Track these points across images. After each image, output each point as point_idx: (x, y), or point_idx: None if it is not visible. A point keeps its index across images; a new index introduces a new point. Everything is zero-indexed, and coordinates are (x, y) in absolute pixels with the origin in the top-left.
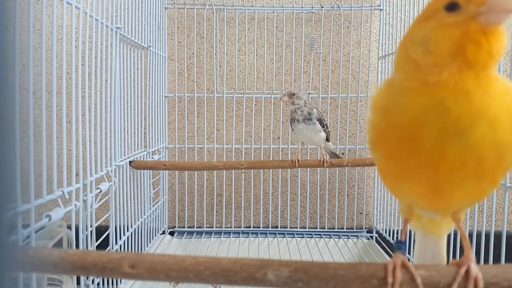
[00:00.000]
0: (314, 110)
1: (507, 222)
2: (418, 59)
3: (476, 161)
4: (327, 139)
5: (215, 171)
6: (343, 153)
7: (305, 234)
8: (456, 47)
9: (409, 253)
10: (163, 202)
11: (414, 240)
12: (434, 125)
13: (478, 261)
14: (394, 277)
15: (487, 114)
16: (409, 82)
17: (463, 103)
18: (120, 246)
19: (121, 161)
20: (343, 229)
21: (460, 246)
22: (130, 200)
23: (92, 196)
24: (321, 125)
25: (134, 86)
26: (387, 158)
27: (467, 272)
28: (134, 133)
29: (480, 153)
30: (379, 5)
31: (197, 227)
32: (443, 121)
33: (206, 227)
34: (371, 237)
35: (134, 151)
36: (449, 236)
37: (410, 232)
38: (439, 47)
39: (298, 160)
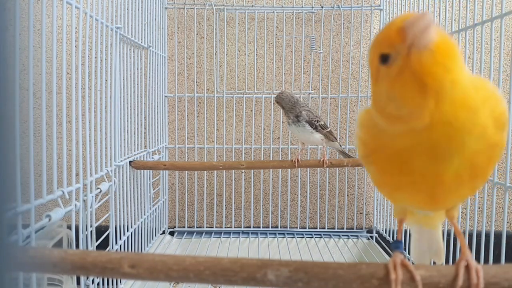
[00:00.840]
0: (303, 112)
1: (507, 222)
2: (397, 114)
3: (470, 171)
4: (330, 139)
5: (215, 171)
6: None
7: (305, 234)
8: (419, 88)
9: (408, 253)
10: (163, 202)
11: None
12: (423, 155)
13: (478, 261)
14: (396, 275)
15: (473, 130)
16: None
17: (448, 130)
18: (120, 246)
19: (121, 161)
20: (343, 229)
21: (460, 246)
22: (130, 200)
23: (92, 196)
24: (311, 127)
25: (134, 86)
26: (381, 173)
27: (467, 266)
28: (134, 133)
29: (474, 163)
30: (379, 5)
31: (197, 227)
32: (432, 152)
33: (206, 227)
34: (371, 237)
35: (134, 151)
36: (448, 236)
37: (406, 230)
38: (407, 99)
39: (298, 160)
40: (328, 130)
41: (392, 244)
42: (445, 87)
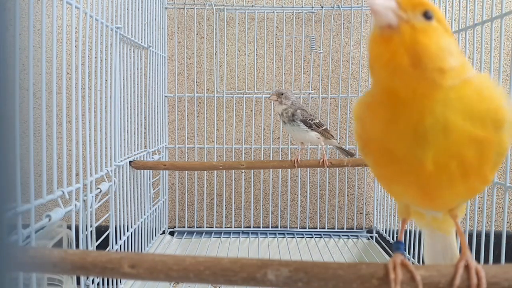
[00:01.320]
0: (298, 111)
1: (507, 222)
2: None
3: (455, 163)
4: (327, 137)
5: (215, 171)
6: None
7: (305, 234)
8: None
9: (409, 253)
10: (163, 202)
11: (412, 240)
12: (401, 137)
13: (478, 261)
14: (395, 275)
15: (450, 118)
16: (375, 97)
17: (424, 111)
18: (120, 246)
19: (121, 161)
20: (343, 229)
21: (460, 246)
22: (130, 200)
23: (92, 196)
24: (306, 126)
25: (134, 86)
26: (375, 164)
27: (467, 266)
28: (134, 133)
29: (456, 155)
30: None
31: (197, 227)
32: (409, 132)
33: (206, 227)
34: (371, 237)
35: (134, 151)
36: None
37: (409, 232)
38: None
39: (297, 160)
40: (324, 127)
41: (393, 245)
42: (401, 67)
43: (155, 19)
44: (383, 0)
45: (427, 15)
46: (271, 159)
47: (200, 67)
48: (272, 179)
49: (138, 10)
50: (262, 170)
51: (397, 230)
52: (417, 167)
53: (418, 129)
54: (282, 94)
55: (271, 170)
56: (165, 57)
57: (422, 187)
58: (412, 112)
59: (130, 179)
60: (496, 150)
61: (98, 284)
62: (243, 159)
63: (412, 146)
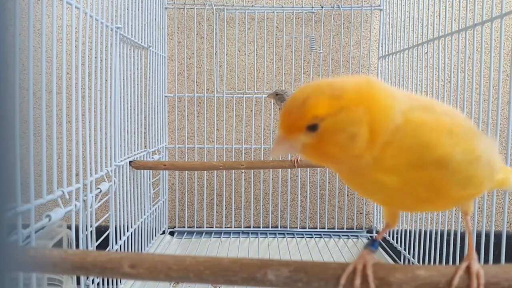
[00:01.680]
0: None
1: (507, 222)
2: None
3: (413, 198)
4: None
5: (215, 171)
6: None
7: (305, 234)
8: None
9: (409, 253)
10: (163, 202)
11: (412, 240)
12: (357, 185)
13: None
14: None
15: (384, 177)
16: None
17: (363, 175)
18: (120, 246)
19: (121, 161)
20: (343, 229)
21: (460, 246)
22: (130, 200)
23: (92, 196)
24: None
25: (134, 86)
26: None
27: (468, 268)
28: (134, 133)
29: (410, 194)
30: (379, 5)
31: (197, 227)
32: (361, 185)
33: (206, 227)
34: (371, 237)
35: (134, 151)
36: (448, 236)
37: (409, 232)
38: None
39: (297, 160)
40: None
41: (368, 241)
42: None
43: (155, 19)
44: (276, 145)
45: (312, 129)
46: (271, 159)
47: (200, 67)
48: (272, 179)
49: (138, 10)
50: (262, 170)
51: (397, 230)
52: (384, 197)
53: (366, 186)
54: (277, 94)
55: (271, 170)
56: (165, 57)
57: (399, 204)
58: (356, 175)
59: (130, 179)
60: (455, 178)
61: (98, 284)
62: (243, 159)
63: (368, 191)
